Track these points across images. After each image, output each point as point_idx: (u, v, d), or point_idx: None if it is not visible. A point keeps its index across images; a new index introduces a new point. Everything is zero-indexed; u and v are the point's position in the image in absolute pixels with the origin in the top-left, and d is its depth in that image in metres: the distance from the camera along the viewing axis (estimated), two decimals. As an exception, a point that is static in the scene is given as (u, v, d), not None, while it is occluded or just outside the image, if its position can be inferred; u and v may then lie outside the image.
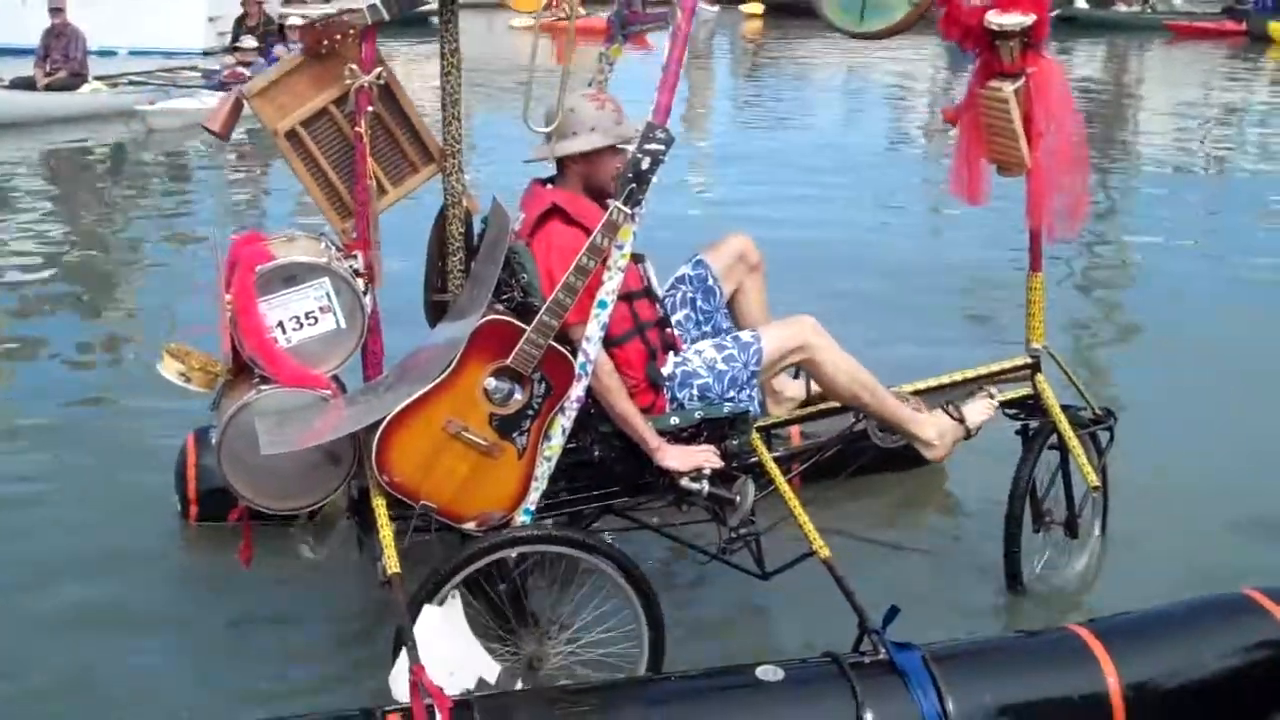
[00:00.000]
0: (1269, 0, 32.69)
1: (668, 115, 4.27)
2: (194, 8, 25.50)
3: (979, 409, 5.24)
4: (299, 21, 19.19)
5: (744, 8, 36.49)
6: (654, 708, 4.04)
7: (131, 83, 18.38)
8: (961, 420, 5.20)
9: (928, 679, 4.05)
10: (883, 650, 4.17)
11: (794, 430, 5.85)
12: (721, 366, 4.76)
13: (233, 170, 15.71)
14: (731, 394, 4.72)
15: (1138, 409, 6.24)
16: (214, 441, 4.56)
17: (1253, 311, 9.52)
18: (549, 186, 4.67)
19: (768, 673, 4.08)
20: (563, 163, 4.62)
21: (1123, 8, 34.33)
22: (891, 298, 9.68)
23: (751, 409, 4.78)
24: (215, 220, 12.66)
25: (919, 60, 27.48)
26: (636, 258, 4.68)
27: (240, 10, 20.03)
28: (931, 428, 5.15)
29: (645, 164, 4.18)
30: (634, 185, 4.19)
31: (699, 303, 5.10)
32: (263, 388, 4.47)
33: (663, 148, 4.19)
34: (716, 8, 34.54)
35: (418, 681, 3.86)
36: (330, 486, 4.63)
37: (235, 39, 19.23)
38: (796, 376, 5.35)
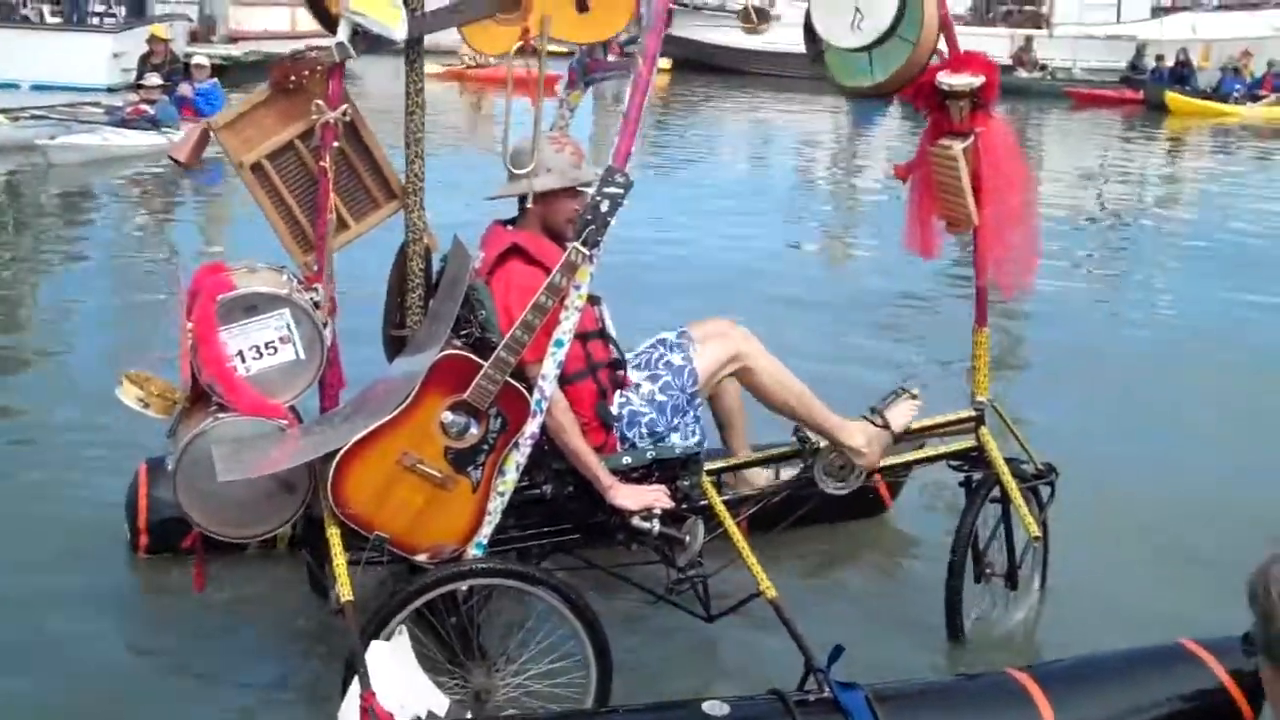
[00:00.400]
0: (1164, 71, 33.43)
1: (627, 159, 4.38)
2: (99, 44, 25.47)
3: (902, 411, 5.33)
4: (204, 61, 19.48)
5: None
6: (602, 738, 4.09)
7: (33, 116, 18.14)
8: (887, 425, 5.29)
9: (870, 718, 4.12)
10: (827, 689, 4.24)
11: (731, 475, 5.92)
12: (661, 398, 4.85)
13: (132, 205, 15.70)
14: (675, 421, 4.80)
15: (1065, 454, 6.30)
16: (170, 468, 4.59)
17: (1159, 359, 9.95)
18: (509, 227, 4.76)
19: (714, 708, 4.14)
20: (523, 203, 4.72)
21: (1023, 74, 34.77)
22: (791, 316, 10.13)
23: (696, 437, 4.87)
24: (111, 253, 12.72)
25: (820, 112, 28.01)
26: (593, 299, 4.77)
27: (145, 48, 19.99)
28: (860, 435, 5.24)
29: (604, 206, 4.28)
30: (592, 227, 4.28)
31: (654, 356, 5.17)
32: (220, 415, 4.52)
33: (622, 191, 4.29)
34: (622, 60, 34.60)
35: (368, 708, 3.90)
36: (285, 515, 4.69)
37: (140, 76, 19.16)
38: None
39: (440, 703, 4.30)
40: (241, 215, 14.56)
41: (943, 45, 5.05)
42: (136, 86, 18.93)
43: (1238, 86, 32.80)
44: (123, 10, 27.30)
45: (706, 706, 4.17)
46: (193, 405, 4.72)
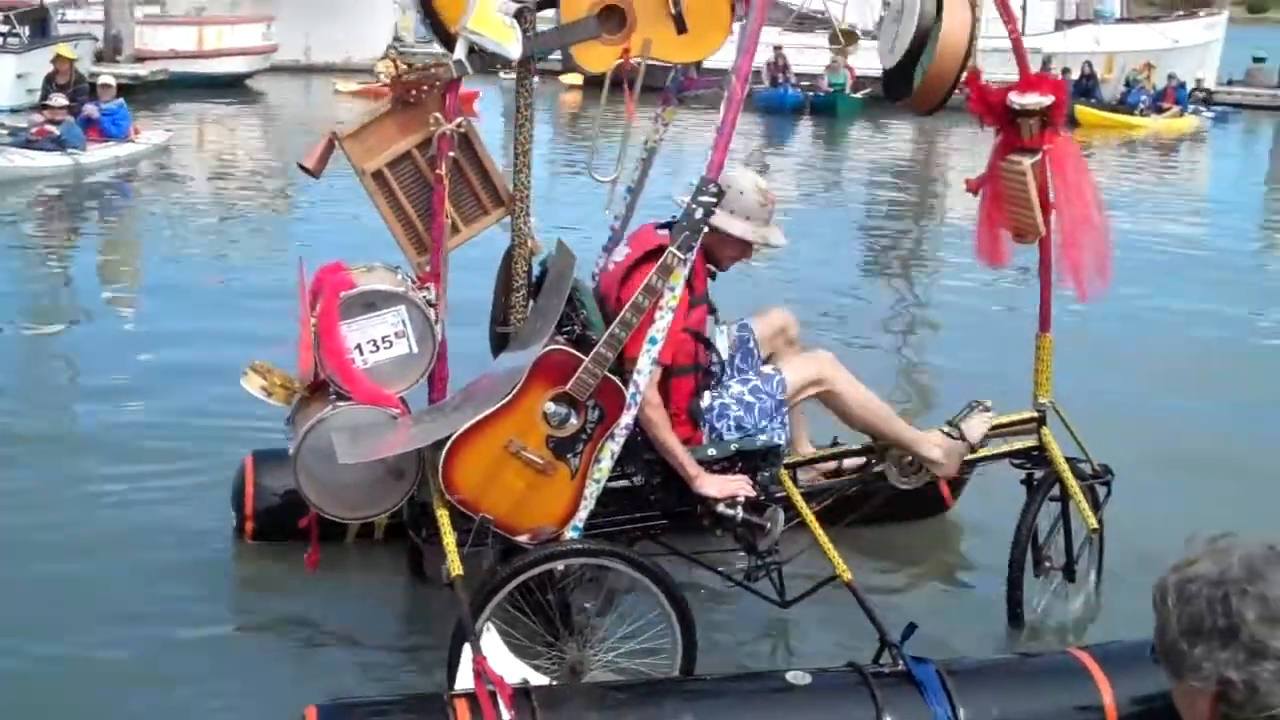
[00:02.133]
0: (1069, 84, 33.73)
1: (719, 171, 4.72)
2: (2, 65, 25.06)
3: (977, 424, 5.65)
4: (110, 81, 19.56)
5: (564, 78, 36.36)
6: (693, 702, 4.42)
7: None
8: (963, 437, 5.61)
9: (942, 690, 4.45)
10: (901, 662, 4.57)
11: (814, 471, 6.24)
12: (750, 399, 5.19)
13: (37, 225, 15.66)
14: (764, 423, 5.14)
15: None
16: (290, 452, 4.96)
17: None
18: (661, 231, 5.08)
19: (797, 677, 4.48)
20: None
21: None
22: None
23: (781, 440, 5.20)
24: (13, 275, 12.70)
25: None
26: (711, 307, 5.14)
27: (50, 68, 19.84)
28: (937, 448, 5.58)
29: (699, 214, 4.63)
30: (687, 233, 4.63)
31: (737, 360, 5.53)
32: (339, 404, 4.88)
33: (715, 200, 4.65)
34: (535, 79, 34.32)
35: (480, 670, 4.26)
36: (394, 499, 5.05)
37: (45, 97, 18.98)
38: None
39: (538, 680, 4.65)
40: (145, 231, 15.21)
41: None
42: (41, 107, 18.73)
43: (1143, 98, 33.53)
44: (26, 31, 26.44)
45: (790, 676, 4.51)
46: (311, 395, 5.10)
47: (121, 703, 5.09)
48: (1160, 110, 33.38)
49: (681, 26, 4.88)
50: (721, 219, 5.05)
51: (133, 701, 5.09)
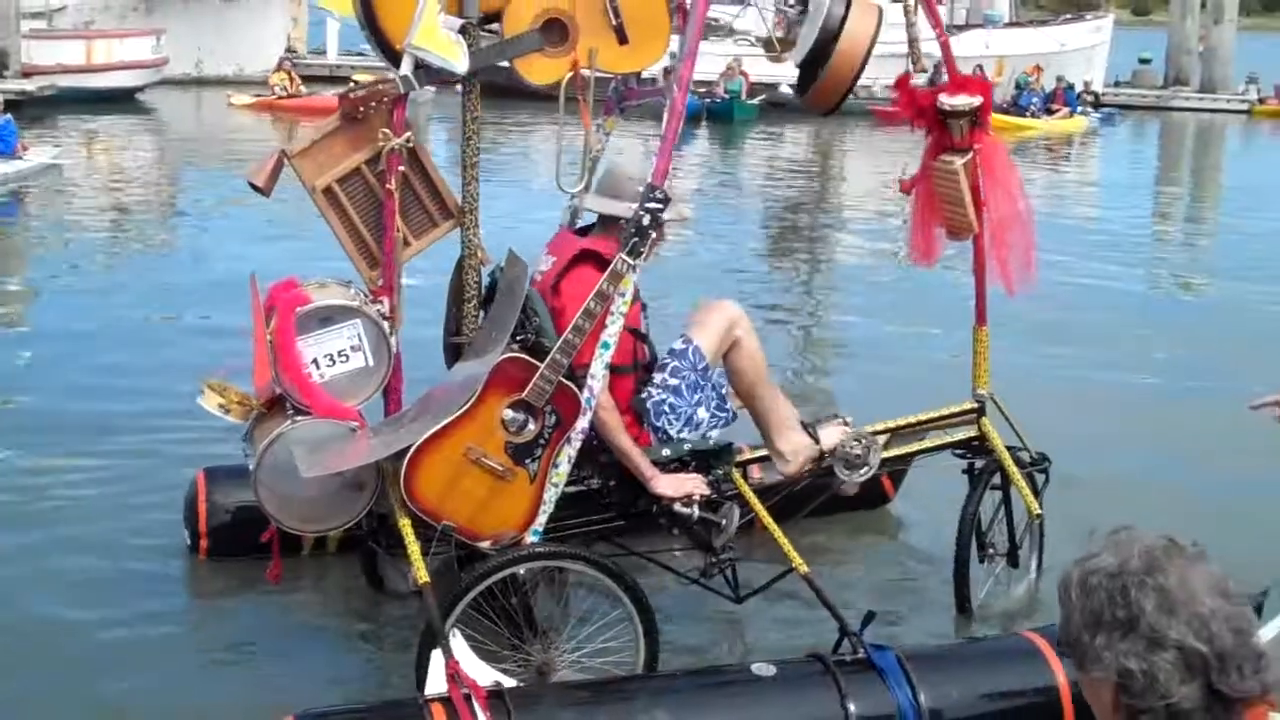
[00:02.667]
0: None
1: (665, 177, 4.84)
2: None
3: (832, 432, 5.68)
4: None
5: (457, 87, 36.28)
6: (663, 696, 4.53)
7: None
8: (816, 440, 5.64)
9: (902, 675, 4.59)
10: (861, 650, 4.70)
11: (755, 466, 6.33)
12: (674, 381, 5.22)
13: None
14: (697, 398, 5.21)
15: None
16: (250, 468, 5.00)
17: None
18: (582, 236, 5.19)
19: (762, 669, 4.61)
20: (605, 217, 5.16)
21: None
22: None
23: (725, 413, 5.28)
24: None
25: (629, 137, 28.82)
26: (643, 304, 5.23)
27: None
28: (789, 443, 5.58)
29: (646, 220, 4.74)
30: (636, 239, 4.74)
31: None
32: (297, 418, 4.93)
33: (661, 206, 4.76)
34: (433, 89, 34.27)
35: (454, 674, 4.33)
36: (355, 510, 5.11)
37: None
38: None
39: (506, 681, 4.73)
40: (32, 250, 15.02)
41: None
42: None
43: (1033, 101, 34.21)
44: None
45: (755, 668, 4.63)
46: (268, 410, 5.14)
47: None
48: (1050, 112, 34.12)
49: (623, 38, 4.99)
50: (618, 206, 5.11)
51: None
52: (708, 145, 28.49)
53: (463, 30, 4.93)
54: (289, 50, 35.74)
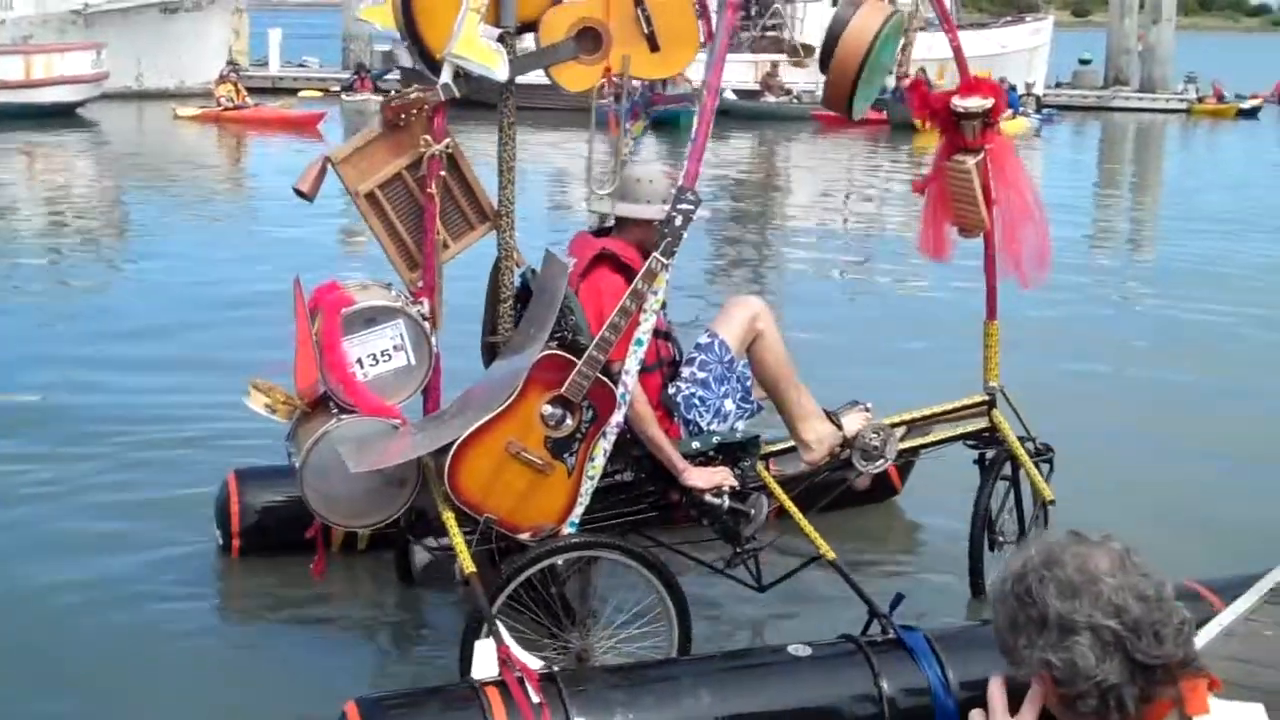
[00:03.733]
0: (904, 91, 34.32)
1: (695, 180, 5.02)
2: None
3: (855, 419, 5.85)
4: None
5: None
6: (706, 677, 4.72)
7: None
8: (840, 428, 5.82)
9: (932, 655, 4.79)
10: (891, 632, 4.90)
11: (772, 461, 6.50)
12: (701, 374, 5.44)
13: None
14: (724, 389, 5.40)
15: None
16: (296, 465, 5.16)
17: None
18: (599, 236, 5.39)
19: (798, 650, 4.81)
20: (622, 219, 5.35)
21: (771, 99, 35.35)
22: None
23: (749, 406, 5.48)
24: None
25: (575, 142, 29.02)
26: (662, 305, 5.40)
27: None
28: (813, 432, 5.76)
29: (679, 221, 4.93)
30: (669, 239, 4.93)
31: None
32: (342, 417, 5.09)
33: (693, 207, 4.95)
34: (378, 98, 34.28)
35: (506, 658, 4.51)
36: (396, 506, 5.26)
37: None
38: None
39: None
40: None
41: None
42: None
43: None
44: None
45: (791, 649, 4.83)
46: (311, 410, 5.30)
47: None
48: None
49: (654, 45, 5.18)
50: (641, 210, 5.35)
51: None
52: (653, 153, 28.10)
53: (501, 39, 5.09)
54: (231, 62, 35.65)
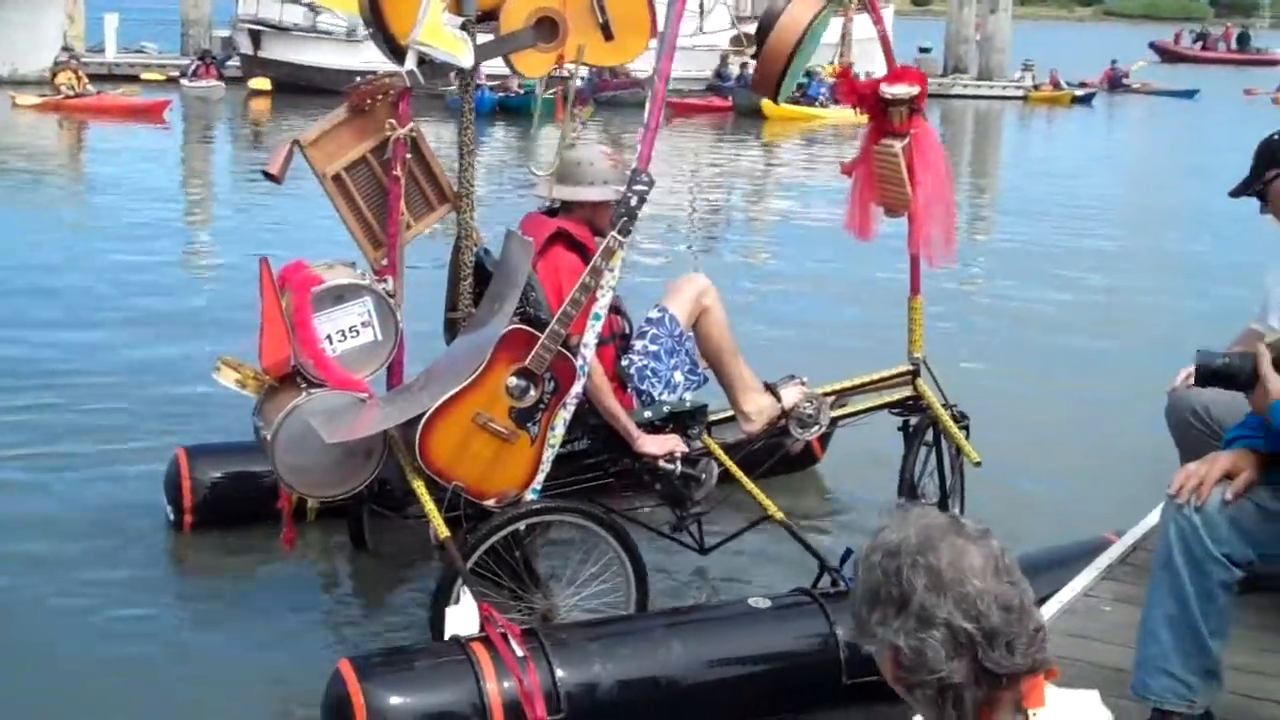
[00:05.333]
0: (748, 78, 34.62)
1: (648, 162, 5.29)
2: None
3: (792, 392, 6.15)
4: None
5: (251, 83, 35.19)
6: (676, 628, 5.03)
7: None
8: (779, 399, 6.12)
9: (880, 605, 5.12)
10: (842, 583, 5.24)
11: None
12: (653, 347, 5.73)
13: None
14: (674, 361, 5.70)
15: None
16: (267, 439, 5.34)
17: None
18: (551, 217, 5.64)
19: (758, 602, 5.15)
20: (566, 202, 5.61)
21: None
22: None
23: (697, 378, 5.79)
24: None
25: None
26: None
27: None
28: (754, 403, 6.06)
29: (634, 201, 5.21)
30: (625, 219, 5.20)
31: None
32: (311, 391, 5.29)
33: (647, 188, 5.22)
34: (223, 84, 34.18)
35: (489, 616, 4.77)
36: (363, 476, 5.46)
37: None
38: None
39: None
40: None
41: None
42: None
43: (822, 91, 34.91)
44: None
45: (751, 602, 5.17)
46: (280, 385, 5.48)
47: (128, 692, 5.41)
48: (838, 101, 34.54)
49: (608, 34, 5.44)
50: (585, 192, 5.62)
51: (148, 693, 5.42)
52: (504, 143, 27.58)
53: (463, 28, 5.32)
54: (65, 49, 34.54)
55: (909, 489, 6.45)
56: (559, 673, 4.64)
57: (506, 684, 4.57)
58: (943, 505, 6.58)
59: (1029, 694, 2.10)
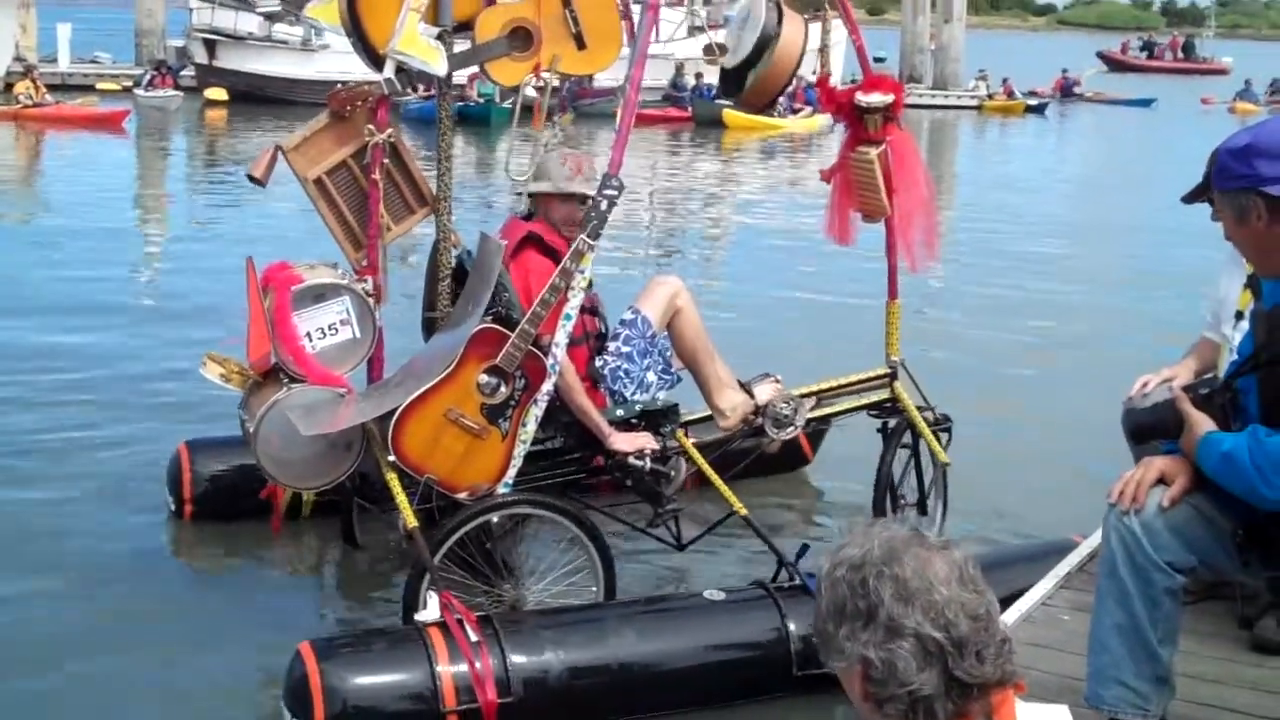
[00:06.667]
0: (704, 88, 34.89)
1: (619, 168, 5.47)
2: None
3: (766, 389, 6.30)
4: None
5: (208, 93, 35.38)
6: (630, 618, 5.21)
7: None
8: (752, 396, 6.27)
9: (834, 599, 5.27)
10: (797, 578, 5.40)
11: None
12: (626, 348, 5.89)
13: None
14: (647, 362, 5.87)
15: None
16: (250, 431, 5.56)
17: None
18: (527, 221, 5.85)
19: (713, 594, 5.32)
20: (536, 199, 5.83)
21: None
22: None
23: (669, 377, 5.95)
24: None
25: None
26: (590, 283, 5.85)
27: None
28: (728, 401, 6.19)
29: (604, 205, 5.38)
30: (594, 222, 5.38)
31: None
32: (292, 386, 5.51)
33: (616, 193, 5.40)
34: (180, 94, 34.40)
35: (447, 603, 4.96)
36: (343, 469, 5.68)
37: None
38: None
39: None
40: None
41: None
42: None
43: (814, 96, 34.88)
44: None
45: (706, 594, 5.34)
46: (263, 380, 5.71)
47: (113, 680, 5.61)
48: (795, 111, 35.01)
49: (581, 44, 5.63)
50: (532, 185, 5.88)
51: (114, 672, 5.64)
52: (464, 153, 26.77)
53: (439, 37, 5.52)
54: (18, 58, 34.48)
55: (885, 488, 6.58)
56: (511, 658, 4.83)
57: (459, 667, 4.76)
58: (920, 506, 6.72)
59: (999, 708, 2.10)
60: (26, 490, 7.39)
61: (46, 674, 5.50)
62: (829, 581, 2.11)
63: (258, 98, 34.03)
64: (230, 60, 36.00)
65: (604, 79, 6.22)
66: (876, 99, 6.12)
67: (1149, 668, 3.74)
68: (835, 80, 6.59)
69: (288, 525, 6.75)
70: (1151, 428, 3.95)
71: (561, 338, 5.45)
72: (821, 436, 7.65)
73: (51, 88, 32.16)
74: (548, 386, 5.45)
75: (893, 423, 6.68)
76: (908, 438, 6.67)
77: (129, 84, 35.61)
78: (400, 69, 5.51)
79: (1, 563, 6.43)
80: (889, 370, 6.62)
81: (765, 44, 6.17)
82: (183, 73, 36.93)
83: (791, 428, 6.39)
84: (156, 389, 9.12)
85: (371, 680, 4.76)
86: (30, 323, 11.24)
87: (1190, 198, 4.45)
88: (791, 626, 5.17)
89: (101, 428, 8.40)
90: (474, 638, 4.85)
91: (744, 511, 5.83)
